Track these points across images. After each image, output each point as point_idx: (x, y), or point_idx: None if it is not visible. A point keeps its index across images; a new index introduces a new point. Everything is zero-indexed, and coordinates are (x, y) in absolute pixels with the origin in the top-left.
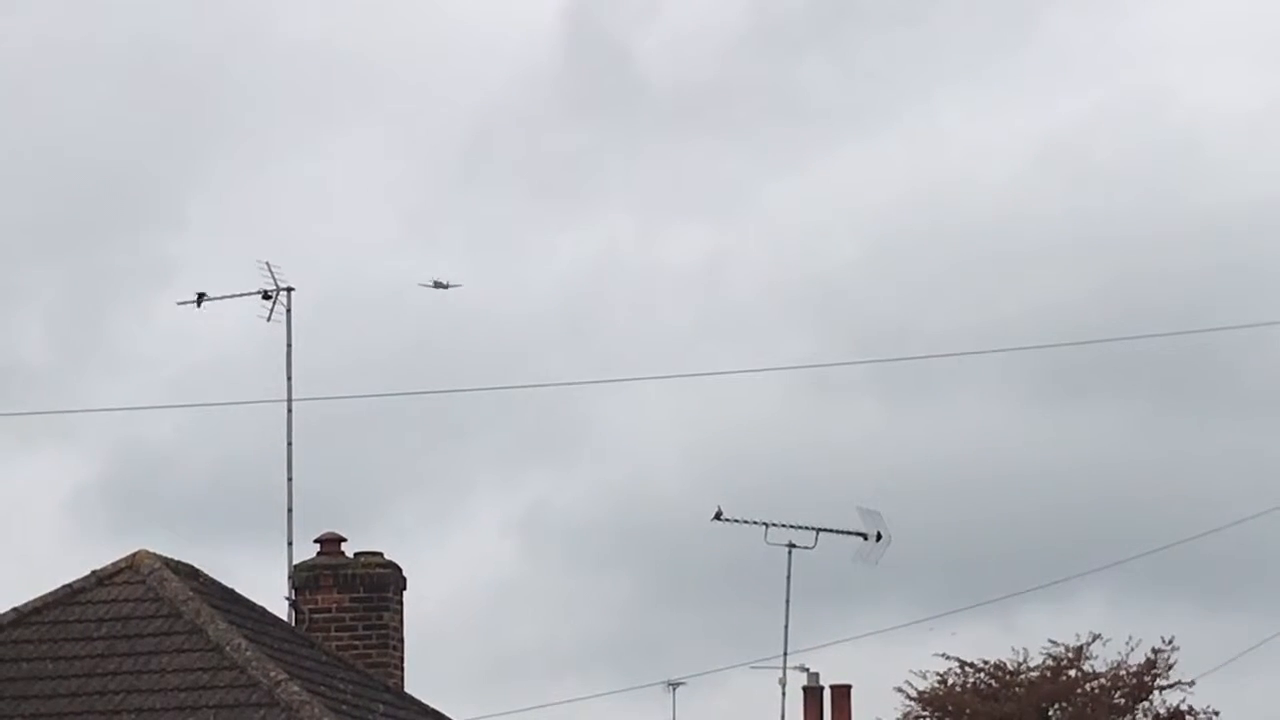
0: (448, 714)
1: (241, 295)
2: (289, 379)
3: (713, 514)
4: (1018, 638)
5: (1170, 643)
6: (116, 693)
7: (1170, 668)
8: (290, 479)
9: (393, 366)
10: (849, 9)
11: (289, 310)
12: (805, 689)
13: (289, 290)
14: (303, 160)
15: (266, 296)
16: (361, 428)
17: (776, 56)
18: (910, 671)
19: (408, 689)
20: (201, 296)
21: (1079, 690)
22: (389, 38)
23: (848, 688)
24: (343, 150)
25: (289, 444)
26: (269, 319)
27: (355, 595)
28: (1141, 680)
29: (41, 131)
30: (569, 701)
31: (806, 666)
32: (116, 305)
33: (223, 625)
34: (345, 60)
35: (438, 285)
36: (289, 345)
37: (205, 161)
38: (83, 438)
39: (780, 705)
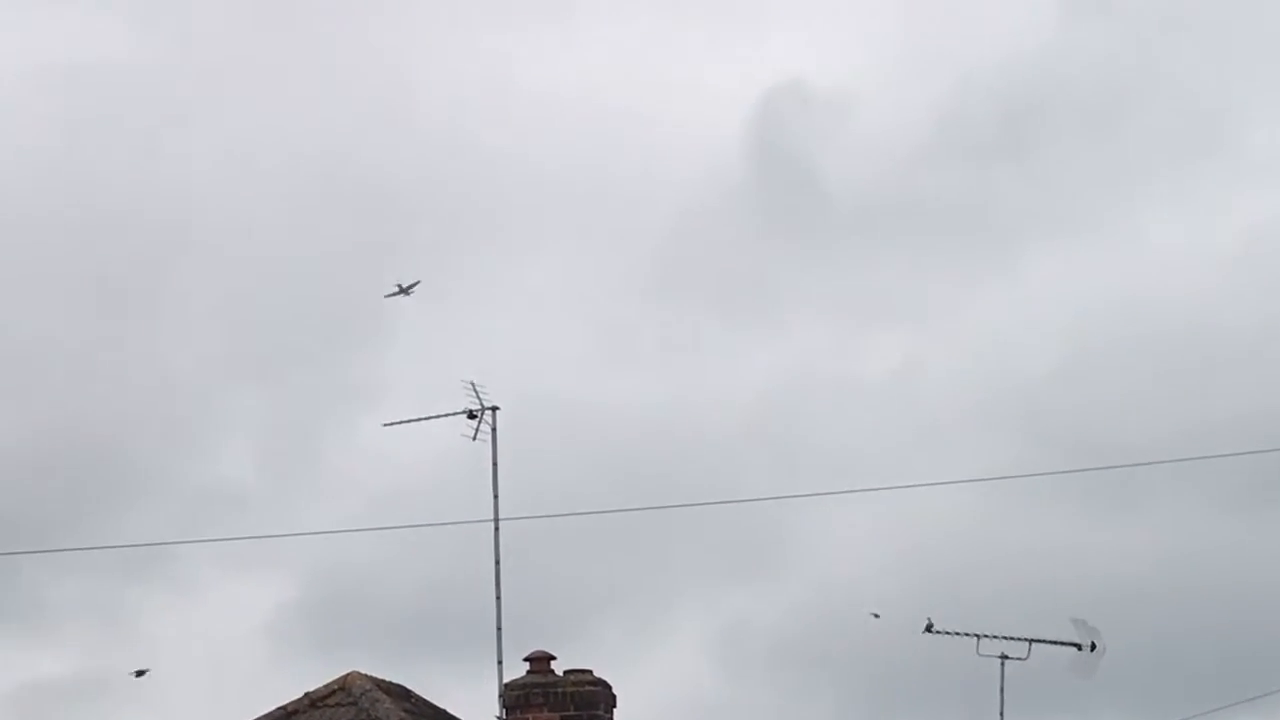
0: None
1: (447, 415)
2: (495, 497)
3: (924, 626)
4: None
5: None
6: None
7: None
8: (499, 597)
9: (591, 483)
10: (1040, 116)
11: (494, 429)
12: None
13: (494, 409)
14: (500, 276)
15: (471, 416)
16: (563, 545)
17: (967, 165)
18: None
19: None
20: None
21: None
22: (576, 151)
23: None
24: (536, 266)
25: (497, 562)
26: (474, 438)
27: (566, 713)
28: None
29: (240, 254)
30: None
31: None
32: (322, 428)
33: None
34: (537, 175)
35: (400, 290)
36: (494, 464)
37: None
38: (288, 560)
39: None
